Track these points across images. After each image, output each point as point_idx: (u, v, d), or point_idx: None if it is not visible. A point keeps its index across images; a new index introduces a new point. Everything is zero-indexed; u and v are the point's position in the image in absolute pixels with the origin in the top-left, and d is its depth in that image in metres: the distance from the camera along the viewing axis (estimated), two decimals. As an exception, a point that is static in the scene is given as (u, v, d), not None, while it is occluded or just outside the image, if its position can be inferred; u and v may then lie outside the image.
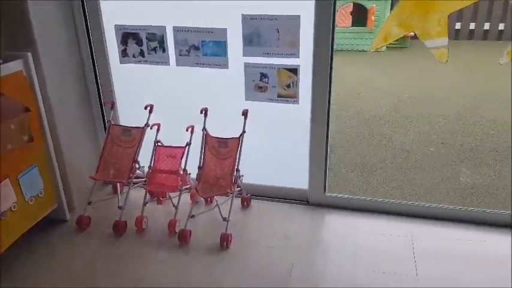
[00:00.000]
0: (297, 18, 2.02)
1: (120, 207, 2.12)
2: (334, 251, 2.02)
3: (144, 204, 2.14)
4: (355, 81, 4.95)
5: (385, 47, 6.03)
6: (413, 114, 3.90)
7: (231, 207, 2.05)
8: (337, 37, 6.56)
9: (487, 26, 6.36)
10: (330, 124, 2.19)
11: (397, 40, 6.20)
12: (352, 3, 5.94)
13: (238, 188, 2.22)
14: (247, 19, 2.07)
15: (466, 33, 6.47)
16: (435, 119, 3.77)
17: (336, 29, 6.86)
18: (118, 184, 2.33)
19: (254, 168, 2.30)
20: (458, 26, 6.39)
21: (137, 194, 2.22)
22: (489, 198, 2.56)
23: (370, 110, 4.04)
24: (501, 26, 6.31)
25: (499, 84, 4.41)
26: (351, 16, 6.03)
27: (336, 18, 6.56)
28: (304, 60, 2.08)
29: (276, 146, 2.34)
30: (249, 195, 2.31)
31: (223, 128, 2.20)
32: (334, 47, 2.09)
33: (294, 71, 2.12)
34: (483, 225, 2.14)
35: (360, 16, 6.06)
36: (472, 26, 6.41)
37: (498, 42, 6.22)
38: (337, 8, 6.54)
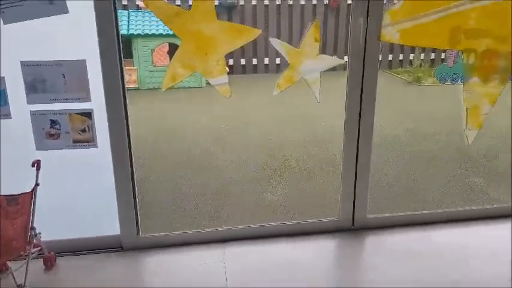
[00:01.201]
0: (82, 62, 1.99)
1: None
2: (150, 292, 1.99)
3: None
4: (177, 118, 5.09)
5: (204, 83, 6.39)
6: (230, 144, 4.20)
7: (27, 271, 1.84)
8: (158, 76, 6.73)
9: (254, 61, 7.38)
10: (134, 164, 2.19)
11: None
12: (167, 43, 6.17)
13: (38, 248, 2.01)
14: (27, 66, 1.95)
15: (239, 68, 7.43)
16: (250, 146, 4.13)
17: (157, 68, 6.91)
18: None
19: (58, 222, 2.13)
20: (231, 61, 7.28)
21: None
22: (292, 212, 2.89)
23: (190, 144, 4.19)
24: (266, 61, 7.40)
25: (288, 112, 5.11)
26: (168, 55, 6.25)
27: (154, 58, 6.63)
28: (97, 103, 2.05)
29: (80, 194, 2.21)
30: (52, 253, 2.11)
31: (12, 183, 1.99)
32: (126, 86, 2.11)
33: (88, 114, 2.07)
34: (291, 236, 2.40)
35: (177, 55, 6.32)
36: (243, 61, 7.37)
37: (265, 74, 7.26)
38: (153, 48, 6.58)
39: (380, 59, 7.75)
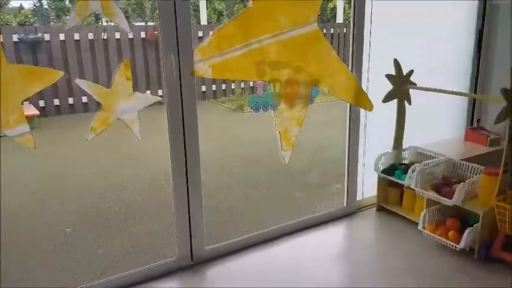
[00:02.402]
0: None
1: None
2: None
3: None
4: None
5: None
6: (45, 197, 3.71)
7: None
8: None
9: (71, 100, 6.84)
10: None
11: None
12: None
13: None
14: None
15: (53, 110, 6.75)
16: (67, 198, 3.73)
17: None
18: None
19: None
20: (42, 103, 6.59)
21: None
22: (128, 261, 2.68)
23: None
24: (84, 99, 6.87)
25: (111, 154, 4.86)
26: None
27: None
28: None
29: None
30: None
31: None
32: None
33: None
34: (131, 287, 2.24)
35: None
36: (57, 101, 6.76)
37: (86, 113, 6.77)
38: None
39: (204, 90, 8.03)
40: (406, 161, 3.14)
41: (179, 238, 2.38)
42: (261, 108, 2.52)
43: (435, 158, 2.95)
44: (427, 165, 2.79)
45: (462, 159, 2.93)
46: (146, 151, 4.44)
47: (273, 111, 2.53)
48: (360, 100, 2.82)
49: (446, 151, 3.05)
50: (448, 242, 2.52)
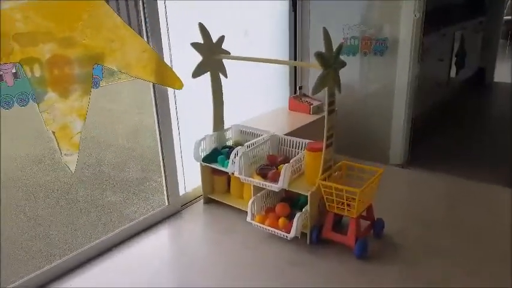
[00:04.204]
0: None
1: None
2: None
3: None
4: None
5: None
6: None
7: None
8: None
9: None
10: None
11: None
12: None
13: None
14: None
15: None
16: None
17: None
18: None
19: None
20: None
21: None
22: None
23: None
24: None
25: None
26: None
27: None
28: None
29: None
30: None
31: None
32: None
33: None
34: None
35: None
36: None
37: None
38: None
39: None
40: (230, 142, 2.76)
41: None
42: (16, 102, 1.77)
43: (260, 135, 2.62)
44: (250, 146, 2.44)
45: (287, 133, 2.67)
46: None
47: (37, 104, 1.81)
48: (165, 77, 2.28)
49: (271, 126, 2.76)
50: (279, 231, 2.23)
